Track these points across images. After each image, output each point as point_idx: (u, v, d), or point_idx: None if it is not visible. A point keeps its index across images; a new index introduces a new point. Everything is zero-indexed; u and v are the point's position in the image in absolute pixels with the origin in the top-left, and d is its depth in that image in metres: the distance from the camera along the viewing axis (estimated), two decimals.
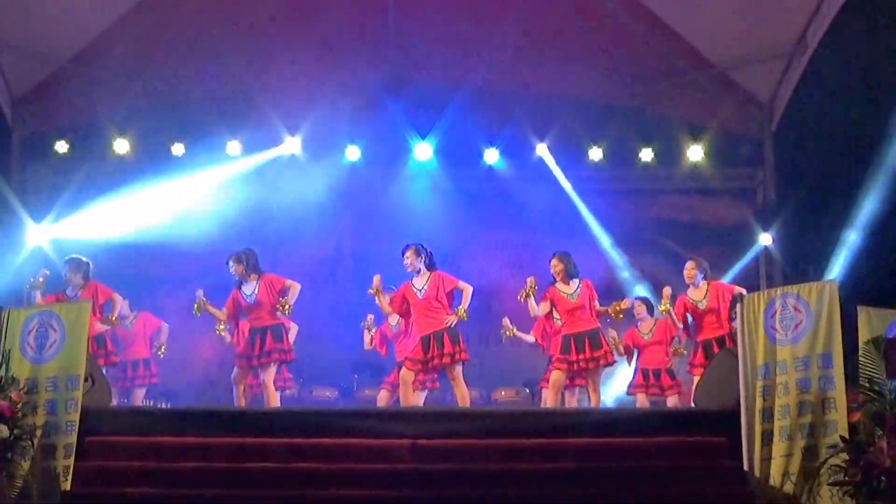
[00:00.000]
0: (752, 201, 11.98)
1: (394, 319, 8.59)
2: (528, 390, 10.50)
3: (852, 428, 5.62)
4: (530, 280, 7.77)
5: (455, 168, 11.85)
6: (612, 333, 8.41)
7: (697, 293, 7.94)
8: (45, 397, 6.03)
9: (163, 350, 9.13)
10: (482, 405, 10.01)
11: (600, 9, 10.68)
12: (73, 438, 5.95)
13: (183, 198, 11.55)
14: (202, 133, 11.56)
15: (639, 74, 11.55)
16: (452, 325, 7.50)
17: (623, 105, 11.78)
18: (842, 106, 10.12)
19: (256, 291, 7.74)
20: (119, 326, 8.52)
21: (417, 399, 8.07)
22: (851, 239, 10.38)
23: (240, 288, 7.84)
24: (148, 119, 11.47)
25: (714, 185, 11.87)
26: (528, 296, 7.70)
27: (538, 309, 7.79)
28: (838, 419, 5.70)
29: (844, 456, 5.49)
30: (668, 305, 7.94)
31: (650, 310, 8.82)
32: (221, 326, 8.13)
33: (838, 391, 5.75)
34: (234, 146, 11.64)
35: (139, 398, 9.02)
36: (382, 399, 8.68)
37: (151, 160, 11.70)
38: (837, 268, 10.30)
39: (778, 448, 5.84)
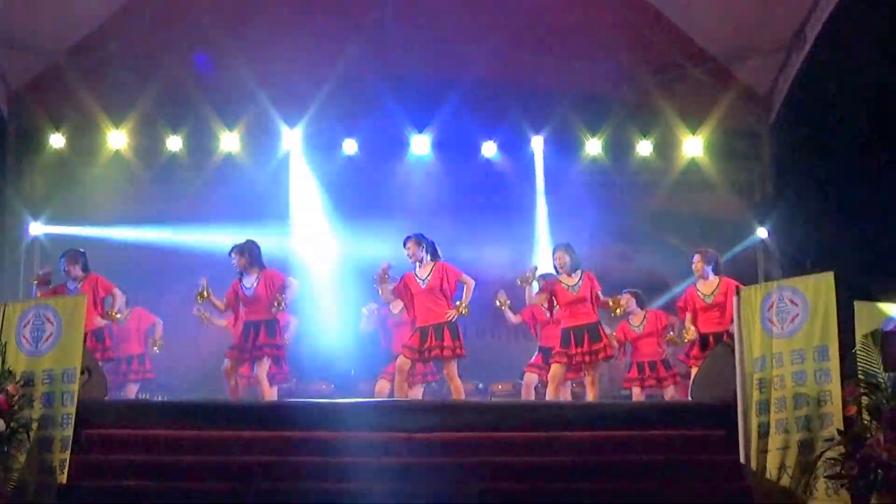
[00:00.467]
0: (750, 195, 11.96)
1: (397, 308, 8.47)
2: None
3: (848, 421, 5.62)
4: (531, 268, 7.78)
5: (453, 162, 11.83)
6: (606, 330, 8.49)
7: (707, 287, 7.87)
8: (42, 390, 6.03)
9: (158, 346, 9.11)
10: (479, 398, 10.00)
11: (599, 1, 10.65)
12: (70, 431, 5.96)
13: (179, 192, 11.53)
14: (199, 127, 11.53)
15: (637, 68, 11.51)
16: (453, 320, 7.50)
17: (621, 98, 11.77)
18: (840, 99, 10.11)
19: (256, 285, 7.73)
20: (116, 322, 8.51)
21: (413, 390, 8.06)
22: (849, 232, 10.37)
23: (240, 279, 7.82)
24: (145, 113, 11.43)
25: (712, 178, 11.86)
26: (527, 282, 7.70)
27: (535, 297, 7.80)
28: (834, 412, 5.71)
29: (841, 449, 5.50)
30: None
31: (640, 302, 8.81)
32: (206, 314, 8.17)
33: (834, 384, 5.76)
34: (231, 140, 11.61)
35: (132, 393, 9.01)
36: (382, 389, 8.64)
37: (148, 154, 11.68)
38: (834, 261, 10.28)
39: (774, 441, 5.85)
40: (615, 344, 8.58)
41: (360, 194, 11.72)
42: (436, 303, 7.52)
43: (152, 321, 9.22)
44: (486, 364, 10.25)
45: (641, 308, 8.81)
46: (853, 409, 5.62)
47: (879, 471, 5.30)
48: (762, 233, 11.71)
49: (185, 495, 5.85)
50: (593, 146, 11.78)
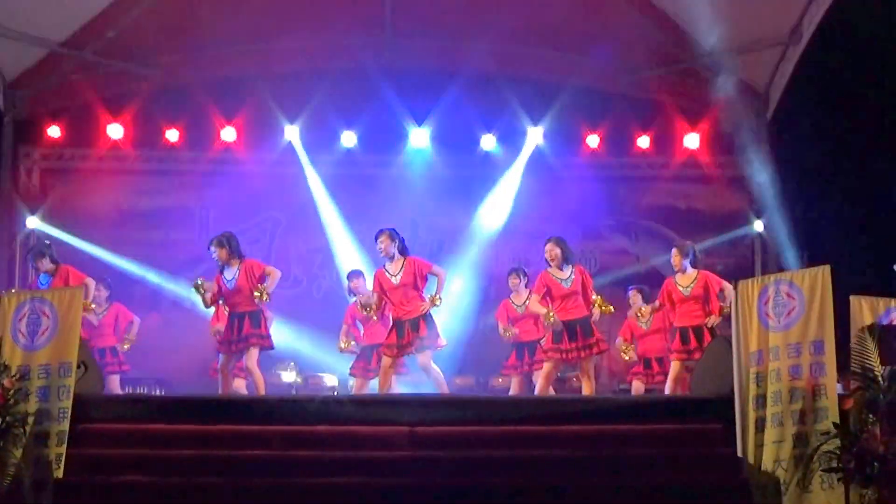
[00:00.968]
0: (748, 189, 11.97)
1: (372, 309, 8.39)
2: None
3: (843, 415, 5.62)
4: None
5: (451, 154, 11.81)
6: (619, 340, 8.75)
7: (685, 279, 7.90)
8: (38, 384, 6.01)
9: (127, 345, 8.93)
10: (479, 393, 10.00)
11: None
12: (66, 426, 5.94)
13: (176, 184, 11.50)
14: (197, 118, 11.50)
15: (636, 62, 11.52)
16: (426, 312, 7.50)
17: (620, 92, 11.77)
18: (837, 94, 10.11)
19: (236, 277, 7.61)
20: (91, 313, 8.36)
21: (395, 386, 8.01)
22: (845, 226, 10.38)
23: (222, 272, 7.73)
24: (142, 104, 11.40)
25: (710, 172, 11.89)
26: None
27: (534, 305, 7.74)
28: (829, 406, 5.70)
29: (836, 442, 5.50)
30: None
31: (645, 298, 8.80)
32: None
33: (829, 378, 5.75)
34: (229, 132, 11.58)
35: (116, 385, 8.82)
36: (358, 387, 8.56)
37: (145, 145, 11.65)
38: (831, 255, 10.29)
39: (769, 434, 5.85)
40: (632, 355, 8.73)
41: (358, 186, 11.70)
42: (408, 297, 7.53)
43: (130, 319, 9.08)
44: (485, 359, 10.25)
45: (647, 304, 8.78)
46: (849, 403, 5.63)
47: (876, 464, 5.31)
48: (759, 226, 11.73)
49: (182, 490, 5.84)
50: (592, 139, 11.79)
